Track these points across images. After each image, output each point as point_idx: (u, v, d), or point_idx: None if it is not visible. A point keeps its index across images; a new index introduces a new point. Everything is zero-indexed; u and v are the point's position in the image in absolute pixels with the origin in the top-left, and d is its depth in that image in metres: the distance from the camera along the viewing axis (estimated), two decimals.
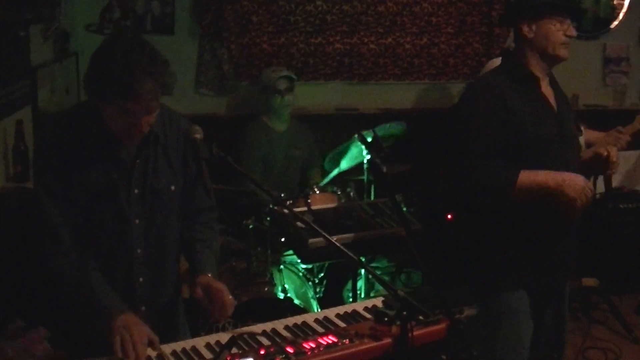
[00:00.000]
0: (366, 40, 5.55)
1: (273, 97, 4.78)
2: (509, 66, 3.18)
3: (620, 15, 6.06)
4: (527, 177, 2.94)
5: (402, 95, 5.75)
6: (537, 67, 3.11)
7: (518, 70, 3.11)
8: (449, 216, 5.17)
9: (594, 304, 5.19)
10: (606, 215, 5.36)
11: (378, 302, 2.57)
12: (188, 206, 2.74)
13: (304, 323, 2.50)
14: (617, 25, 6.08)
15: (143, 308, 2.63)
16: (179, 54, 5.14)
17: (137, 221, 2.57)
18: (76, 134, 2.48)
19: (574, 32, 3.10)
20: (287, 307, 3.81)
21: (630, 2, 6.06)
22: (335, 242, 2.35)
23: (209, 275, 2.57)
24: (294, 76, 4.87)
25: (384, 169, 2.34)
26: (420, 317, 2.31)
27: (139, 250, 2.60)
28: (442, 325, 2.39)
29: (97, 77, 2.32)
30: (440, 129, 4.00)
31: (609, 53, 6.08)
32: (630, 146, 3.58)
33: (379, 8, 5.53)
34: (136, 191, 2.56)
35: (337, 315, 2.55)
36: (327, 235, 2.38)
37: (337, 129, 5.39)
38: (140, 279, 2.62)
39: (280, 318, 2.55)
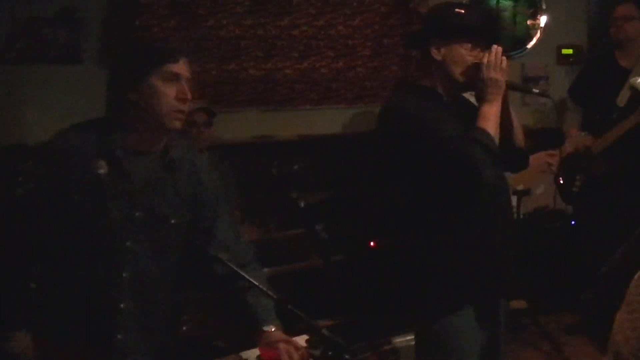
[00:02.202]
0: (281, 65, 5.49)
1: (188, 130, 4.59)
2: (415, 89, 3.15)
3: (538, 34, 6.17)
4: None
5: (321, 121, 5.71)
6: (444, 91, 3.08)
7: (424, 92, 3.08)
8: (372, 243, 5.14)
9: (523, 326, 5.22)
10: (531, 235, 5.42)
11: (302, 340, 2.51)
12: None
13: None
14: (535, 45, 6.19)
15: (119, 336, 2.54)
16: (87, 85, 4.96)
17: (128, 243, 2.51)
18: (89, 147, 2.51)
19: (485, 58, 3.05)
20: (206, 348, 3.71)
21: (547, 21, 6.18)
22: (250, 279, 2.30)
23: (273, 329, 2.52)
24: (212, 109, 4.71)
25: (302, 204, 2.30)
26: (347, 357, 2.25)
27: (124, 275, 2.52)
28: None
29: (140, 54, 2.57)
30: (364, 153, 3.98)
31: (528, 72, 6.17)
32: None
33: (293, 32, 5.49)
34: (137, 214, 2.51)
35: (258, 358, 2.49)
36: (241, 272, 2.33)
37: (254, 159, 5.32)
38: (122, 305, 2.54)
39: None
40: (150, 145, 2.58)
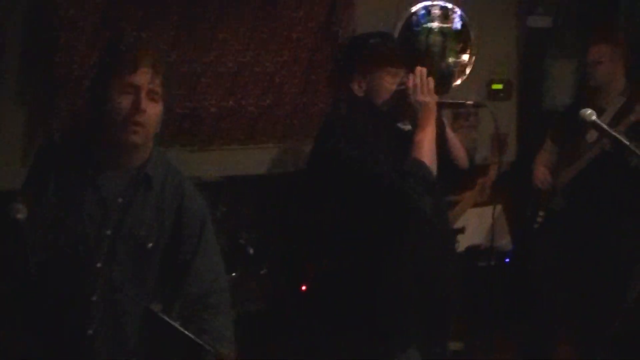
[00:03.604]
0: (206, 103, 5.38)
1: None
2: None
3: (467, 70, 6.19)
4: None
5: (247, 160, 5.58)
6: (373, 125, 3.02)
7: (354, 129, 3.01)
8: (304, 287, 5.04)
9: None
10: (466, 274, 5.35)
11: None
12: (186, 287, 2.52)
13: None
14: (464, 80, 6.20)
15: None
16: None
17: (99, 264, 2.37)
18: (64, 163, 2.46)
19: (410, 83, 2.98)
20: None
21: (477, 56, 6.20)
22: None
23: None
24: None
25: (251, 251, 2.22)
26: None
27: (93, 298, 2.38)
28: None
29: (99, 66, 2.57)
30: (294, 192, 3.92)
31: (457, 109, 6.15)
32: (485, 202, 3.58)
33: (219, 69, 5.38)
34: (108, 232, 2.39)
35: None
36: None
37: None
38: (89, 332, 2.40)
39: None
40: (122, 161, 2.49)
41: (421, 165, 2.84)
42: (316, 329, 3.67)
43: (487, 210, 5.43)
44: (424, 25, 6.01)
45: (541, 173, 4.86)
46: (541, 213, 4.90)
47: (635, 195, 4.33)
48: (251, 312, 4.27)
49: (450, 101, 3.13)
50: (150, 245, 2.48)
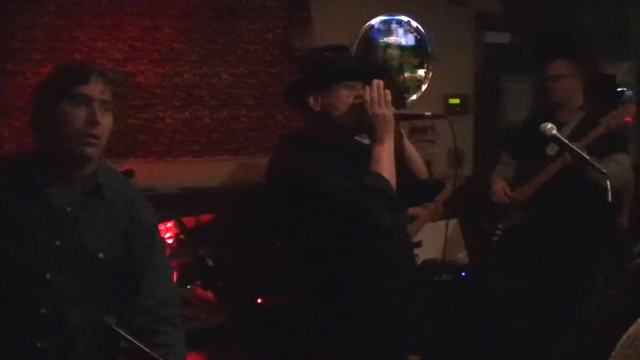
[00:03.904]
0: (162, 114, 5.35)
1: None
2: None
3: (424, 84, 6.19)
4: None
5: (202, 173, 5.54)
6: (331, 140, 3.00)
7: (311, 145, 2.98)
8: (259, 300, 4.99)
9: None
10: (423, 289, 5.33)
11: None
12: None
13: None
14: (422, 94, 6.19)
15: None
16: None
17: (48, 275, 2.31)
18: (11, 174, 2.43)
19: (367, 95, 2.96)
20: None
21: (434, 70, 6.20)
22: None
23: None
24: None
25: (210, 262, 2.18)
26: None
27: (42, 311, 2.32)
28: None
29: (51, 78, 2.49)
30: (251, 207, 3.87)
31: (415, 123, 6.14)
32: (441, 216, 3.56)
33: (175, 80, 5.36)
34: (58, 242, 2.33)
35: None
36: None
37: None
38: (39, 345, 2.33)
39: None
40: (72, 171, 2.45)
41: (380, 178, 2.80)
42: (273, 343, 3.64)
43: (442, 225, 5.46)
44: (382, 40, 5.98)
45: (500, 187, 4.85)
46: (500, 227, 4.90)
47: (594, 210, 4.34)
48: (210, 325, 4.22)
49: (408, 113, 3.10)
50: (101, 255, 2.44)
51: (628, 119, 4.18)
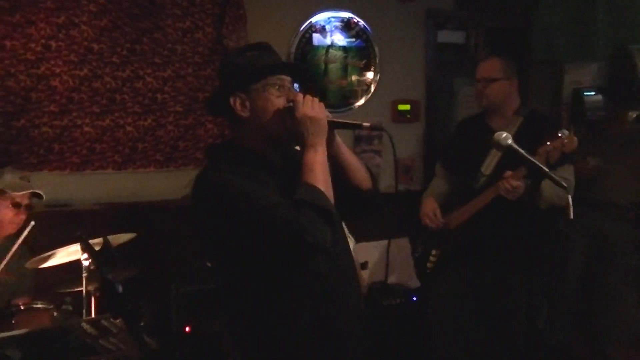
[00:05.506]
0: (80, 122, 5.03)
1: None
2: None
3: (372, 89, 5.92)
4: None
5: (124, 186, 5.26)
6: (263, 149, 2.72)
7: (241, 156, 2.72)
8: (187, 328, 4.71)
9: None
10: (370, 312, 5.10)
11: None
12: None
13: None
14: (367, 101, 5.93)
15: None
16: None
17: None
18: None
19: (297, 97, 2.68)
20: None
21: (381, 76, 5.94)
22: None
23: None
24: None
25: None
26: None
27: None
28: None
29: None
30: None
31: (359, 131, 5.86)
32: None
33: (94, 84, 5.04)
34: None
35: None
36: None
37: (47, 230, 4.72)
38: None
39: None
40: None
41: (315, 191, 2.57)
42: None
43: (384, 244, 5.17)
44: (323, 39, 5.72)
45: (429, 209, 4.50)
46: (434, 252, 4.57)
47: (531, 236, 4.05)
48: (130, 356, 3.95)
49: (343, 121, 2.80)
50: None
51: (566, 151, 3.88)
